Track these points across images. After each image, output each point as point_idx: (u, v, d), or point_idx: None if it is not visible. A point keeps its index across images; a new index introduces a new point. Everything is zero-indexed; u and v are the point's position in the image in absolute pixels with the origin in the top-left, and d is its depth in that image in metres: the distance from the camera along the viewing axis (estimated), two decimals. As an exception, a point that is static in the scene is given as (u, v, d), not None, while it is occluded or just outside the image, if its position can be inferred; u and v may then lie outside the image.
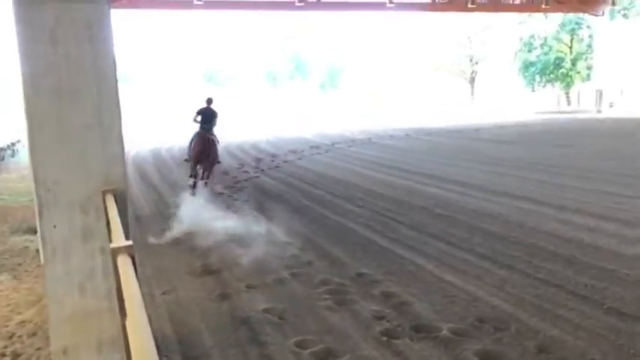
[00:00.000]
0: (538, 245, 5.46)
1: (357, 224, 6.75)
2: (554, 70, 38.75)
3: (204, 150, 8.23)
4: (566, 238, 5.65)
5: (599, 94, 31.99)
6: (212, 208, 7.85)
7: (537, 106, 33.71)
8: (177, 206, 7.66)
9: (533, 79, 40.04)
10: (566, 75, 38.50)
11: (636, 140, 14.95)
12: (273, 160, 13.73)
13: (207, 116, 8.32)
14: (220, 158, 8.88)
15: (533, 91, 39.52)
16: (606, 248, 5.29)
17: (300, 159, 13.96)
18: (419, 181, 9.74)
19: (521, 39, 40.71)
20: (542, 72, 39.27)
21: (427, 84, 46.56)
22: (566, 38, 39.86)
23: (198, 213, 7.48)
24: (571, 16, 37.82)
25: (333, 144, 17.23)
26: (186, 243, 6.17)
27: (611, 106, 31.31)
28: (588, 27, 37.52)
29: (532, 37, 40.04)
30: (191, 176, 8.35)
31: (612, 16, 34.89)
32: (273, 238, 6.23)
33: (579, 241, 5.53)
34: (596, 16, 32.36)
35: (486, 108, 33.87)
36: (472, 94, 43.24)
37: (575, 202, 7.21)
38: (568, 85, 39.01)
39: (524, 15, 39.35)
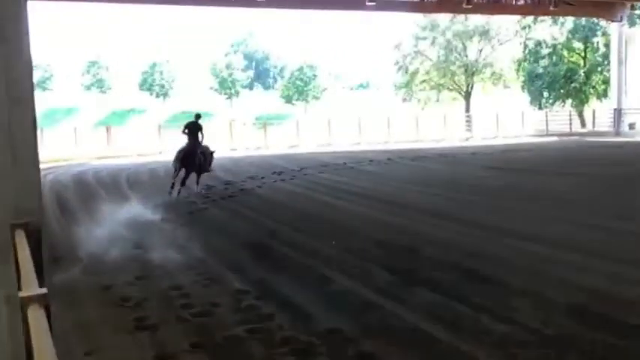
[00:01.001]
0: (546, 296, 5.54)
1: (328, 268, 6.75)
2: (564, 85, 39.84)
3: (188, 157, 12.33)
4: (581, 286, 5.74)
5: (618, 114, 32.98)
6: (150, 247, 7.78)
7: (545, 126, 34.51)
8: (108, 246, 7.60)
9: (540, 95, 41.06)
10: (579, 90, 39.63)
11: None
12: (226, 188, 13.68)
13: (194, 130, 12.65)
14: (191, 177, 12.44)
15: (540, 108, 40.51)
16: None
17: (260, 187, 13.95)
18: (405, 215, 9.80)
19: (526, 47, 41.89)
20: (551, 86, 40.31)
21: (415, 98, 47.50)
22: (579, 47, 41.25)
23: (133, 253, 7.43)
24: (584, 21, 39.24)
25: (300, 169, 17.30)
26: (116, 290, 6.06)
27: (631, 127, 32.30)
28: (604, 34, 38.89)
29: (539, 44, 41.24)
30: (173, 182, 12.27)
31: (632, 22, 36.32)
32: (224, 286, 6.18)
33: (595, 290, 5.63)
34: (613, 21, 33.71)
35: (485, 128, 34.53)
36: (468, 110, 44.09)
37: (598, 245, 7.36)
38: (581, 103, 40.15)
39: (530, 19, 40.69)
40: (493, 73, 46.39)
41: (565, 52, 41.75)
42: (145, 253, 7.61)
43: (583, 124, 37.82)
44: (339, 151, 23.26)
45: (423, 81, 46.81)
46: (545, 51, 41.50)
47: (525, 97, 43.32)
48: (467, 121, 35.52)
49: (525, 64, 42.57)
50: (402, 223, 9.12)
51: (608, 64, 36.12)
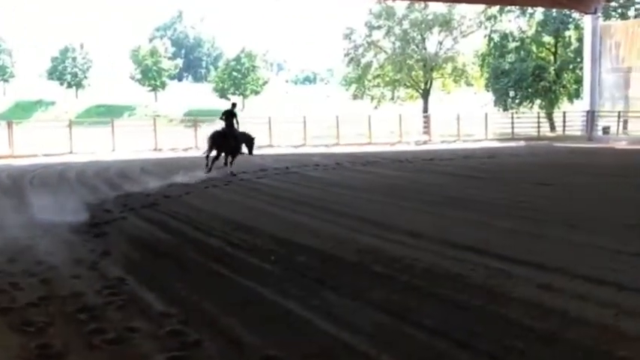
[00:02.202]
0: (510, 318, 5.66)
1: (266, 287, 6.72)
2: (533, 83, 40.90)
3: (220, 138, 17.35)
4: (547, 308, 5.89)
5: (591, 117, 34.07)
6: (57, 262, 7.61)
7: (511, 129, 35.35)
8: (5, 261, 7.40)
9: (506, 94, 42.05)
10: (549, 90, 40.76)
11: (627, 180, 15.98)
12: (148, 195, 13.51)
13: (229, 117, 17.87)
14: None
15: (505, 109, 41.49)
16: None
17: (188, 193, 13.85)
18: (352, 227, 9.87)
19: (490, 40, 42.87)
20: (518, 85, 41.32)
21: (368, 95, 48.00)
22: (549, 41, 42.44)
23: (36, 269, 7.27)
24: (555, 12, 40.40)
25: (237, 174, 17.24)
26: (17, 313, 5.90)
27: (605, 132, 33.42)
28: (577, 28, 40.10)
29: (505, 37, 42.27)
30: (206, 164, 17.08)
31: (608, 15, 37.62)
32: (143, 307, 6.09)
33: (564, 312, 5.79)
34: (586, 14, 34.82)
35: (444, 130, 35.18)
36: (426, 110, 44.79)
37: (558, 260, 7.57)
38: (551, 104, 41.29)
39: (496, 8, 41.65)
40: (454, 69, 47.24)
41: (534, 47, 42.86)
42: (51, 269, 7.44)
43: (552, 128, 38.83)
44: (281, 154, 23.31)
45: (377, 76, 47.33)
46: (512, 45, 42.50)
47: (489, 97, 44.24)
48: (425, 123, 36.04)
49: (490, 59, 43.53)
50: (354, 236, 9.17)
51: (581, 60, 37.17)
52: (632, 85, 33.31)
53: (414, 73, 46.33)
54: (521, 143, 31.75)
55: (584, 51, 35.39)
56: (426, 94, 46.67)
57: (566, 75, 41.69)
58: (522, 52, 42.22)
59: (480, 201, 12.43)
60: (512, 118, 36.87)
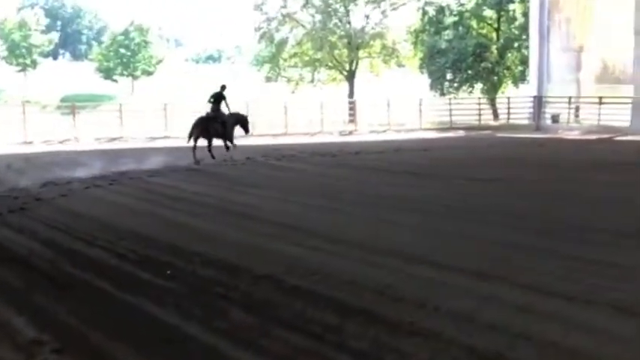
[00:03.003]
0: (444, 336, 5.78)
1: (161, 307, 6.67)
2: (473, 64, 41.73)
3: (200, 127, 19.52)
4: (487, 323, 6.04)
5: (538, 103, 35.06)
6: None
7: (449, 117, 35.93)
8: None
9: (443, 77, 42.76)
10: (491, 72, 41.69)
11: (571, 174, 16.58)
12: (16, 198, 13.22)
13: (218, 99, 19.85)
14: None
15: (442, 94, 42.21)
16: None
17: (64, 195, 13.61)
18: (263, 232, 9.90)
19: (425, 14, 43.54)
20: (456, 66, 42.08)
21: (284, 77, 48.06)
22: (491, 16, 43.38)
23: None
24: (498, -17, 41.36)
25: (126, 171, 17.03)
26: None
27: (555, 120, 34.47)
28: (522, 0, 41.12)
29: (441, 11, 42.97)
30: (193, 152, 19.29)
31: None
32: (10, 334, 5.96)
33: (506, 328, 5.95)
34: (532, -16, 35.83)
35: (373, 118, 35.53)
36: (352, 95, 45.15)
37: (500, 266, 7.77)
38: (494, 88, 42.25)
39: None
40: (384, 47, 47.68)
41: (474, 23, 43.72)
42: None
43: (496, 116, 39.71)
44: (177, 147, 23.03)
45: (294, 55, 47.37)
46: (449, 20, 43.21)
47: (424, 80, 44.84)
48: (350, 109, 36.27)
49: (424, 36, 44.16)
50: (265, 244, 9.19)
51: (527, 38, 38.04)
52: (585, 66, 34.39)
53: (337, 51, 46.53)
54: (461, 133, 32.41)
55: (531, 27, 36.17)
56: (351, 77, 46.93)
57: (510, 55, 42.59)
58: (461, 29, 42.90)
59: (414, 201, 12.64)
60: (450, 104, 37.36)
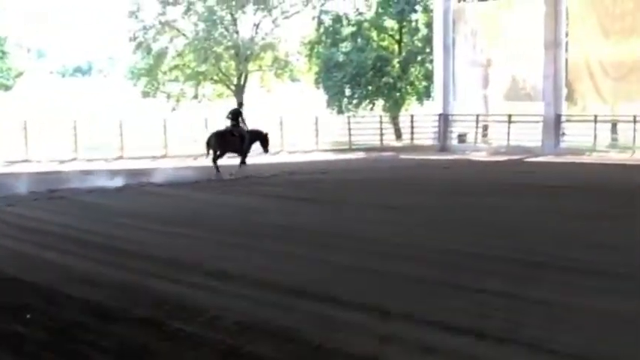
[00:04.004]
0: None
1: (17, 356, 6.49)
2: (373, 79, 42.19)
3: (216, 142, 22.35)
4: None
5: (444, 122, 35.71)
6: None
7: (348, 137, 36.09)
8: None
9: (341, 93, 43.03)
10: (393, 88, 42.27)
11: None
12: None
13: (235, 116, 22.84)
14: None
15: (340, 112, 42.49)
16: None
17: None
18: (142, 269, 9.79)
19: (320, 23, 43.86)
20: (355, 80, 42.45)
21: (163, 93, 47.53)
22: (393, 26, 44.04)
23: None
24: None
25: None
26: None
27: (461, 140, 35.19)
28: (426, 10, 41.92)
29: (338, 20, 43.37)
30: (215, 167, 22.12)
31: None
32: None
33: None
34: (437, -7, 36.56)
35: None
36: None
37: (405, 303, 7.86)
38: (396, 105, 42.82)
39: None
40: (275, 60, 47.79)
41: (374, 34, 44.27)
42: None
43: (399, 136, 40.19)
44: (40, 172, 22.54)
45: (175, 67, 46.94)
46: (346, 30, 43.56)
47: (321, 95, 45.03)
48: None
49: (320, 48, 44.42)
50: (142, 282, 9.09)
51: (431, 51, 38.70)
52: (493, 82, 35.23)
53: (223, 64, 46.28)
54: (361, 155, 32.70)
55: (435, 40, 36.69)
56: (239, 92, 46.74)
57: (413, 69, 43.25)
58: (360, 40, 43.29)
59: (310, 230, 12.68)
60: (349, 122, 37.38)
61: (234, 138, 22.46)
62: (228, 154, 22.81)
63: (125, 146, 31.37)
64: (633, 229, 12.11)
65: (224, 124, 23.36)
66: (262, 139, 23.38)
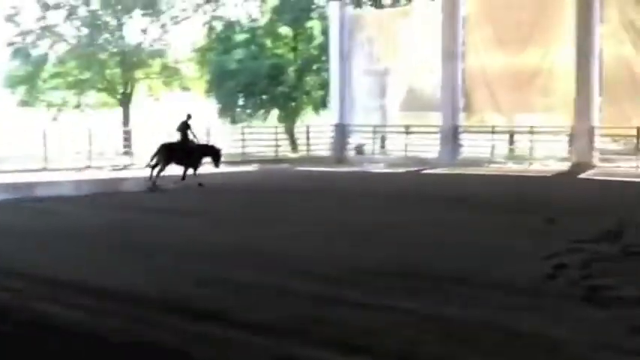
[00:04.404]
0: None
1: None
2: (268, 89, 42.21)
3: (163, 154, 22.49)
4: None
5: (341, 132, 35.90)
6: None
7: (242, 149, 35.99)
8: None
9: (234, 102, 42.93)
10: (289, 97, 42.35)
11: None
12: None
13: (184, 129, 23.31)
14: None
15: (233, 122, 42.38)
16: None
17: None
18: (14, 287, 9.52)
19: (211, 29, 43.69)
20: (249, 90, 42.38)
21: (43, 102, 46.64)
22: (287, 33, 44.17)
23: None
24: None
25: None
26: None
27: (359, 151, 35.47)
28: (321, 17, 42.18)
29: (230, 26, 43.27)
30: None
31: (358, 2, 40.03)
32: None
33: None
34: (332, -1, 36.79)
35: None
36: (127, 123, 44.45)
37: (308, 323, 7.83)
38: (292, 115, 42.94)
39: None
40: (164, 67, 47.40)
41: (268, 41, 44.33)
42: None
43: (294, 147, 40.30)
44: None
45: (56, 75, 46.08)
46: (239, 37, 43.53)
47: (213, 105, 44.83)
48: (125, 140, 35.63)
49: (212, 55, 44.24)
50: (9, 302, 8.84)
51: (327, 59, 38.87)
52: (390, 91, 35.68)
53: (108, 71, 45.70)
54: (255, 167, 32.62)
55: (331, 47, 36.89)
56: (126, 101, 46.19)
57: (309, 78, 43.43)
58: (253, 47, 43.26)
59: (177, 244, 12.56)
60: (243, 133, 37.30)
61: (180, 152, 22.96)
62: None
63: (0, 158, 30.57)
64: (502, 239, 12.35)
65: (173, 136, 24.04)
66: (215, 153, 23.93)
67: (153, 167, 22.63)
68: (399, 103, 35.46)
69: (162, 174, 22.60)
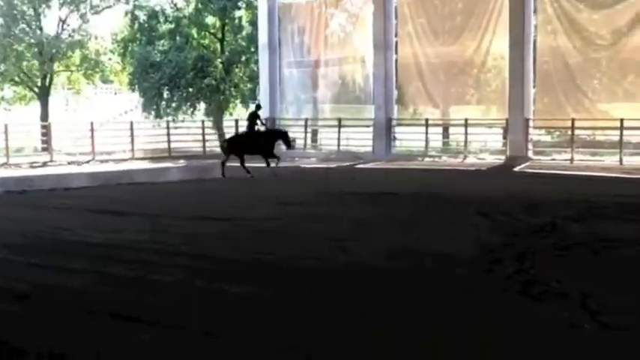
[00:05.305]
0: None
1: None
2: (195, 81, 42.05)
3: (233, 146, 25.40)
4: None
5: (271, 126, 35.89)
6: None
7: (168, 144, 35.80)
8: None
9: (159, 96, 42.67)
10: (216, 90, 42.24)
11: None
12: None
13: (251, 119, 25.68)
14: None
15: (158, 116, 42.08)
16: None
17: None
18: None
19: (134, 19, 43.34)
20: (174, 82, 42.17)
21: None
22: (214, 24, 44.04)
23: None
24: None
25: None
26: None
27: (317, 145, 35.47)
28: (249, 7, 42.17)
29: (154, 16, 42.98)
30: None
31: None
32: None
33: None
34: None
35: (74, 146, 34.75)
36: (46, 118, 43.95)
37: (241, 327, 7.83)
38: (220, 109, 42.83)
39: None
40: (85, 59, 46.88)
41: (194, 31, 44.17)
42: None
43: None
44: None
45: (-32, 67, 45.40)
46: (164, 27, 43.28)
47: (136, 99, 44.51)
48: (44, 135, 35.13)
49: (134, 46, 43.89)
50: None
51: (256, 51, 38.96)
52: (321, 84, 35.79)
53: (25, 63, 45.06)
54: (181, 163, 32.46)
55: (259, 38, 37.04)
56: (44, 95, 45.58)
57: (237, 70, 43.38)
58: (179, 38, 43.06)
59: (118, 247, 12.50)
60: (169, 128, 37.08)
61: (251, 142, 25.14)
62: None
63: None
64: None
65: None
66: (283, 136, 25.91)
67: (225, 159, 24.92)
68: (331, 96, 35.58)
69: (226, 164, 24.61)
